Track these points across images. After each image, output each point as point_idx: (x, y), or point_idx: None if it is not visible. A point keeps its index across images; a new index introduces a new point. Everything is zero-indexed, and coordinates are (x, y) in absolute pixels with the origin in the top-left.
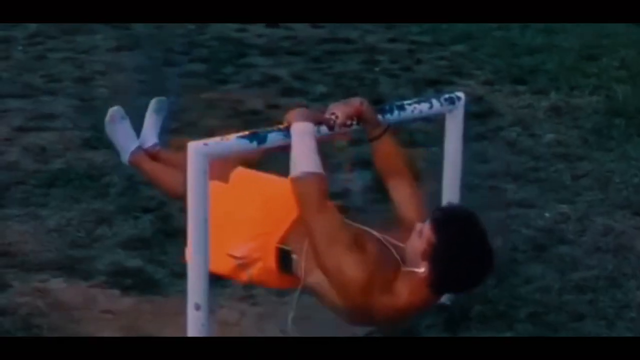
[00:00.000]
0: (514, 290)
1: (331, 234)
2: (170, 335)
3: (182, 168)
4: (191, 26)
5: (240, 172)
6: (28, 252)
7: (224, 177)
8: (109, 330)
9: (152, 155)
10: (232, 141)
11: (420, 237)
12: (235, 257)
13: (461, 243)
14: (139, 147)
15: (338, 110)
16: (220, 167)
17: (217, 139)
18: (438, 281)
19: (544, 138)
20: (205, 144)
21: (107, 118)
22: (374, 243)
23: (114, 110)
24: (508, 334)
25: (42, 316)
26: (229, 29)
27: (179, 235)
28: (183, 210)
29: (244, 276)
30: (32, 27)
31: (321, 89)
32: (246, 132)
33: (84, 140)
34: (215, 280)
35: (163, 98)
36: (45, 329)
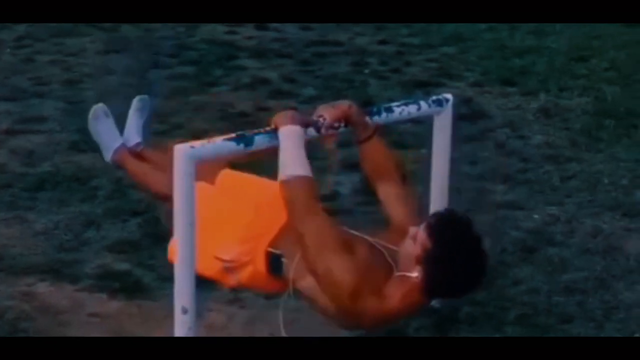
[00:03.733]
0: (502, 292)
1: (321, 238)
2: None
3: (166, 169)
4: (180, 28)
5: (227, 173)
6: (15, 256)
7: (210, 179)
8: (96, 334)
9: (136, 154)
10: (219, 143)
11: (415, 241)
12: (223, 260)
13: (456, 249)
14: (123, 145)
15: (326, 113)
16: (206, 168)
17: (203, 141)
18: (431, 286)
19: (533, 139)
20: (192, 147)
21: (91, 115)
22: (365, 247)
23: (98, 108)
24: (497, 336)
25: (29, 320)
26: (219, 31)
27: (167, 238)
28: (168, 213)
29: (232, 280)
30: (20, 29)
31: (310, 91)
32: (233, 135)
33: (71, 143)
34: (204, 284)
35: (145, 96)
36: (32, 332)
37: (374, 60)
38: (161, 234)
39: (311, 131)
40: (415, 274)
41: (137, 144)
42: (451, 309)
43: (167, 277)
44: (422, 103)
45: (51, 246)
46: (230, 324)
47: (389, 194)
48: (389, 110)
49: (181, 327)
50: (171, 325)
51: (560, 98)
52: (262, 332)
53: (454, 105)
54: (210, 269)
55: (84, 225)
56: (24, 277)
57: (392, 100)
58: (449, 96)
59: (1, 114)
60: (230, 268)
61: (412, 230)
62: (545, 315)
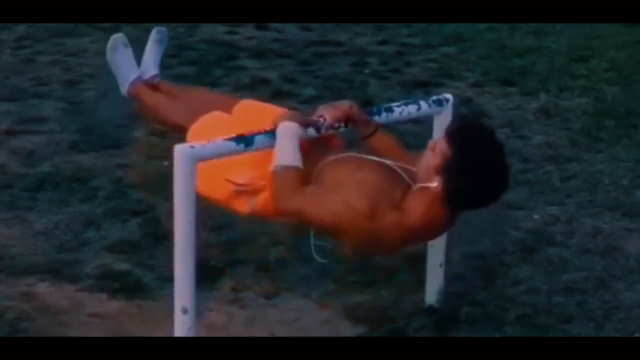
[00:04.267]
0: (502, 292)
1: (315, 198)
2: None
3: (183, 99)
4: (180, 29)
5: (244, 103)
6: (15, 256)
7: (227, 110)
8: (96, 334)
9: (153, 87)
10: (219, 143)
11: (434, 151)
12: (236, 184)
13: (477, 155)
14: (139, 78)
15: (326, 113)
16: (222, 101)
17: (203, 141)
18: (453, 195)
19: (533, 140)
20: (192, 147)
21: (109, 45)
22: (378, 169)
23: (117, 37)
24: (497, 336)
25: (29, 320)
26: (219, 31)
27: (167, 238)
28: (168, 213)
29: (245, 206)
30: (20, 30)
31: (311, 91)
32: (233, 135)
33: (72, 143)
34: (204, 284)
35: (163, 28)
36: (32, 333)
37: (374, 60)
38: (161, 234)
39: (311, 131)
40: (435, 183)
41: (154, 76)
42: (451, 308)
43: (167, 277)
44: (422, 103)
45: (51, 246)
46: (230, 324)
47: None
48: (389, 110)
49: (181, 327)
50: (171, 326)
51: (560, 98)
52: (262, 332)
53: (454, 105)
54: (221, 193)
55: (84, 225)
56: (24, 277)
57: (393, 101)
58: (449, 96)
59: (1, 114)
60: (245, 192)
61: (431, 142)
62: (545, 316)
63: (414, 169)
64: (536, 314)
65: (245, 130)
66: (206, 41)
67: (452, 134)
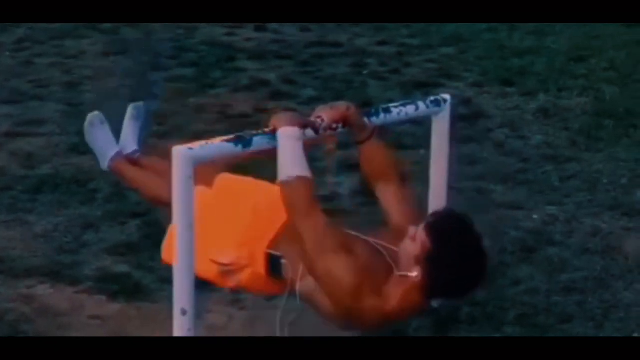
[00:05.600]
0: (502, 292)
1: (320, 239)
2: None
3: (163, 175)
4: (180, 31)
5: (225, 177)
6: (15, 258)
7: (207, 182)
8: (96, 336)
9: (133, 162)
10: (217, 145)
11: (414, 241)
12: (221, 264)
13: (456, 248)
14: (119, 153)
15: (324, 114)
16: (204, 172)
17: (202, 142)
18: (431, 286)
19: (532, 140)
20: (190, 148)
21: (87, 123)
22: (365, 248)
23: (94, 116)
24: (497, 336)
25: (29, 322)
26: (218, 33)
27: None
28: (169, 218)
29: (231, 282)
30: (20, 32)
31: (310, 92)
32: (231, 136)
33: (71, 145)
34: (203, 285)
35: (140, 104)
36: (32, 334)
37: (374, 61)
38: (160, 236)
39: (309, 132)
40: (414, 273)
41: (134, 152)
42: (451, 309)
43: (166, 279)
44: (420, 104)
45: (51, 248)
46: (230, 325)
47: (388, 195)
48: (388, 110)
49: (180, 328)
50: (171, 327)
51: (560, 98)
52: (262, 333)
53: (453, 106)
54: (207, 272)
55: (84, 227)
56: (24, 280)
57: (392, 102)
58: (447, 96)
59: (1, 116)
60: (230, 271)
61: (412, 230)
62: (545, 315)
63: (395, 249)
64: (536, 313)
65: (226, 206)
66: (205, 43)
67: (431, 227)
